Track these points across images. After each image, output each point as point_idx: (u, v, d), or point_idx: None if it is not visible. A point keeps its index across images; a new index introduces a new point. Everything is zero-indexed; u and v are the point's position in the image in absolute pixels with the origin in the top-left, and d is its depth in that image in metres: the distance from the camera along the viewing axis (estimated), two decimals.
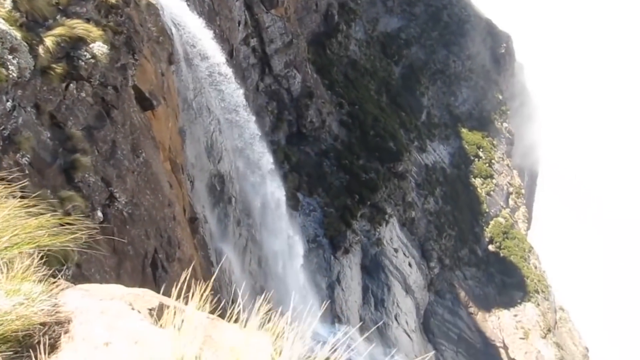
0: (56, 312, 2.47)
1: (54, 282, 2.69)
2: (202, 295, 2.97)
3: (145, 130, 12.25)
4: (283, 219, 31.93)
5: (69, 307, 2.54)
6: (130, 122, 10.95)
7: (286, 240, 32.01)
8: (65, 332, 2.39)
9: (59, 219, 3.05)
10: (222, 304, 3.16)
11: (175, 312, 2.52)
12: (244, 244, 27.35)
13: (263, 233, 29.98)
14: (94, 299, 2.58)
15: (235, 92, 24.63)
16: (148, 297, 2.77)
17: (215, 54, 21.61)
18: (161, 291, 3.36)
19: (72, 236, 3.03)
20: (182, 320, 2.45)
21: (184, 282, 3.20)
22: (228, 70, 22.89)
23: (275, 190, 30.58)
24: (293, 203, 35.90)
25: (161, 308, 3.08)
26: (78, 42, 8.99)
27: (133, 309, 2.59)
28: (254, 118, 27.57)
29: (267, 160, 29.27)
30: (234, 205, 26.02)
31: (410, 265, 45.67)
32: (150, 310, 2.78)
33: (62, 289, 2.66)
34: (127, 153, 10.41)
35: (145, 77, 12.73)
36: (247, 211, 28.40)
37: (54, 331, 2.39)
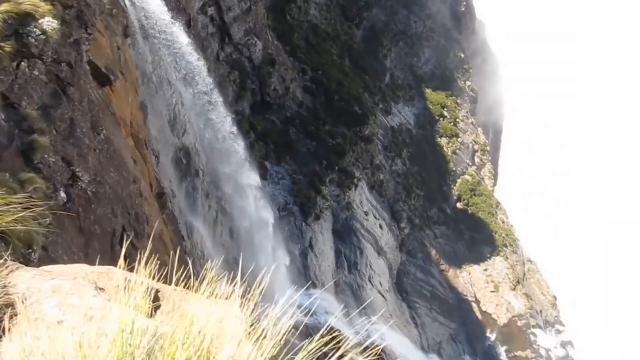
0: (5, 294, 2.43)
1: (2, 264, 2.64)
2: (172, 268, 2.97)
3: (105, 106, 11.98)
4: (251, 188, 31.85)
5: (19, 288, 2.50)
6: (88, 99, 10.68)
7: (256, 210, 32.00)
8: (15, 314, 2.35)
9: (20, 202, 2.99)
10: (193, 277, 3.16)
11: (134, 286, 2.51)
12: (214, 216, 27.25)
13: (233, 204, 29.90)
14: (45, 279, 2.55)
15: (196, 64, 24.23)
16: (112, 273, 2.76)
17: (173, 26, 21.15)
18: (135, 269, 3.34)
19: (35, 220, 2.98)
20: (145, 293, 2.45)
21: (149, 257, 3.19)
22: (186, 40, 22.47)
23: (241, 152, 30.37)
24: (261, 172, 35.79)
25: (127, 284, 3.07)
26: (26, 18, 8.67)
27: (97, 287, 2.57)
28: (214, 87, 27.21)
29: (228, 124, 28.92)
30: (201, 178, 25.81)
31: (381, 227, 46.23)
32: (116, 286, 2.77)
33: (12, 271, 2.61)
34: (87, 131, 10.18)
35: (100, 51, 12.39)
36: (215, 183, 28.23)
37: (3, 313, 2.36)
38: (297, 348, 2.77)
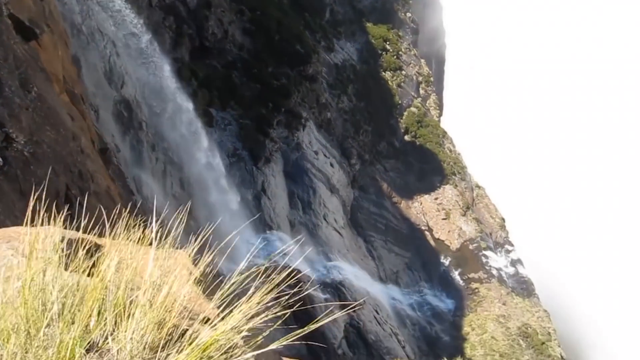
0: None
1: None
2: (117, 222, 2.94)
3: (33, 62, 11.42)
4: (198, 135, 31.42)
5: None
6: (13, 56, 10.15)
7: (205, 157, 31.68)
8: None
9: None
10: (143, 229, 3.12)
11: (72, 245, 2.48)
12: (162, 168, 26.86)
13: (181, 154, 29.48)
14: None
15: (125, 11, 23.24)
16: (52, 232, 2.70)
17: None
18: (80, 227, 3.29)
19: None
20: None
21: (94, 214, 3.13)
22: None
23: (183, 105, 29.78)
24: (207, 119, 35.23)
25: (69, 242, 3.02)
26: None
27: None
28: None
29: (166, 70, 28.16)
30: (145, 130, 25.24)
31: (332, 165, 46.59)
32: (54, 245, 2.73)
33: None
34: (17, 89, 9.72)
35: (22, 4, 11.71)
36: (160, 135, 27.68)
37: None
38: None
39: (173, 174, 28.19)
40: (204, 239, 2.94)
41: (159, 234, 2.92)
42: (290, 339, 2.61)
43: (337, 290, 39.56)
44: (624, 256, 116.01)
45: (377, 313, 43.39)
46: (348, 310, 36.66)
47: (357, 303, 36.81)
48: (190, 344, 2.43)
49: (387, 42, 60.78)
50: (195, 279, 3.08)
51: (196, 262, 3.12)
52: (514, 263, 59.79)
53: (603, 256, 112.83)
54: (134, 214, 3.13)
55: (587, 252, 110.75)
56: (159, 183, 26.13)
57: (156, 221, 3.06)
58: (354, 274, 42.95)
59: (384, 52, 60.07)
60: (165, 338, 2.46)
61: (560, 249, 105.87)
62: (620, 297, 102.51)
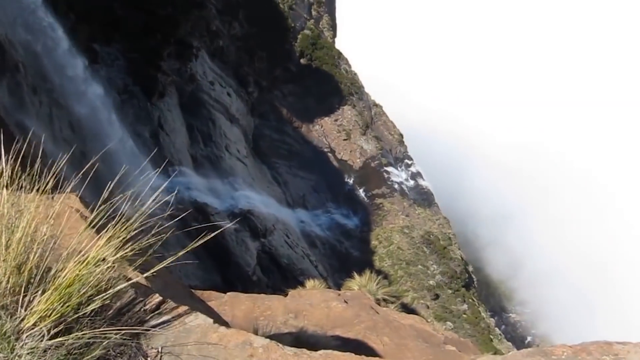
0: None
1: None
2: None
3: None
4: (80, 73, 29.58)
5: None
6: None
7: (93, 97, 30.02)
8: None
9: None
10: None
11: None
12: (47, 112, 25.22)
13: (67, 95, 27.72)
14: None
15: None
16: None
17: None
18: None
19: None
20: None
21: None
22: None
23: (62, 42, 27.76)
24: (91, 56, 33.10)
25: None
26: None
27: None
28: None
29: (39, 5, 25.92)
30: (22, 71, 23.39)
31: (229, 95, 45.66)
32: None
33: None
34: None
35: None
36: (41, 76, 25.78)
37: None
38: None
39: (61, 118, 26.57)
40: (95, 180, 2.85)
41: (43, 177, 2.81)
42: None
43: (246, 219, 39.82)
44: (514, 157, 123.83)
45: (288, 237, 44.34)
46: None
47: None
48: (55, 282, 2.40)
49: None
50: (86, 219, 3.00)
51: (92, 205, 3.04)
52: (414, 176, 62.51)
53: (498, 161, 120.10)
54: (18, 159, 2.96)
55: (483, 161, 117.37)
56: (47, 127, 24.58)
57: (44, 165, 2.94)
58: (262, 202, 43.30)
59: None
60: (27, 280, 2.41)
61: (457, 159, 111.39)
62: (510, 198, 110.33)
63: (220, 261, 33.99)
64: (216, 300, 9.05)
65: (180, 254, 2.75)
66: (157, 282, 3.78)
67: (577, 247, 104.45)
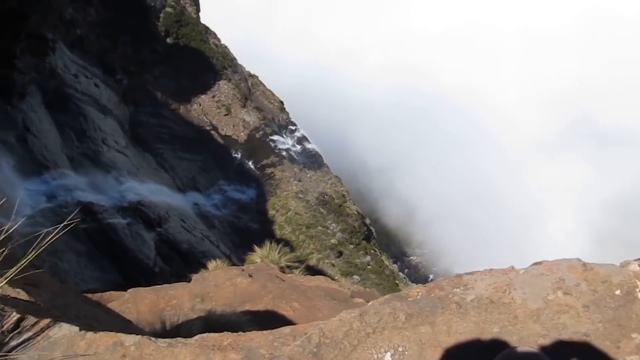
0: None
1: None
2: None
3: None
4: None
5: None
6: None
7: None
8: None
9: None
10: None
11: None
12: None
13: None
14: None
15: None
16: None
17: None
18: None
19: None
20: None
21: None
22: None
23: None
24: None
25: None
26: None
27: None
28: None
29: None
30: None
31: (96, 85, 43.35)
32: None
33: None
34: None
35: None
36: None
37: None
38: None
39: None
40: None
41: None
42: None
43: (137, 211, 38.55)
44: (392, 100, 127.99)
45: (184, 222, 43.46)
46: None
47: None
48: None
49: None
50: None
51: None
52: (300, 141, 63.10)
53: (380, 114, 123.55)
54: None
55: (364, 115, 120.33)
56: None
57: None
58: (150, 191, 42.00)
59: None
60: None
61: (338, 117, 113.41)
62: (395, 148, 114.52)
63: (117, 259, 32.77)
64: (117, 300, 8.76)
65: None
66: (44, 294, 3.57)
67: (462, 184, 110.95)
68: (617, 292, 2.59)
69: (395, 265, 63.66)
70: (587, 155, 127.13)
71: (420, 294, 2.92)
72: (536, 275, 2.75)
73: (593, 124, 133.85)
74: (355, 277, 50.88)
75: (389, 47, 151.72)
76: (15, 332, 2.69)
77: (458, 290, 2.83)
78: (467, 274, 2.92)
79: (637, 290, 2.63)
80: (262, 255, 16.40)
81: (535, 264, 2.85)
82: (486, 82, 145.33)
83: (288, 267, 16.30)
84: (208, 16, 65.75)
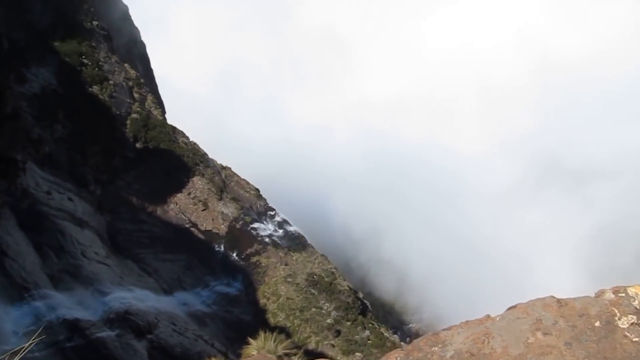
0: None
1: None
2: None
3: None
4: None
5: None
6: None
7: None
8: None
9: None
10: None
11: None
12: None
13: None
14: None
15: None
16: None
17: None
18: None
19: None
20: None
21: None
22: None
23: None
24: None
25: None
26: None
27: None
28: None
29: None
30: None
31: (70, 199, 43.21)
32: None
33: None
34: None
35: None
36: None
37: None
38: None
39: None
40: None
41: None
42: None
43: (125, 321, 37.60)
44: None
45: (175, 325, 42.39)
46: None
47: None
48: None
49: (83, 57, 57.40)
50: None
51: None
52: (281, 225, 62.93)
53: (358, 183, 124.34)
54: None
55: (342, 188, 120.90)
56: None
57: None
58: (136, 298, 41.15)
59: (83, 68, 56.68)
60: None
61: (317, 193, 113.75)
62: (377, 216, 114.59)
63: None
64: None
65: None
66: None
67: (449, 238, 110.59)
68: (597, 323, 2.56)
69: (395, 335, 62.26)
70: (566, 192, 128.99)
71: (399, 358, 2.85)
72: (513, 319, 2.71)
73: (565, 163, 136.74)
74: (357, 354, 49.61)
75: (355, 115, 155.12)
76: None
77: (437, 349, 2.76)
78: (444, 329, 2.87)
79: (617, 318, 2.60)
80: (257, 347, 15.92)
81: (510, 308, 2.82)
82: (454, 135, 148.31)
83: (286, 354, 15.84)
84: (174, 114, 67.02)
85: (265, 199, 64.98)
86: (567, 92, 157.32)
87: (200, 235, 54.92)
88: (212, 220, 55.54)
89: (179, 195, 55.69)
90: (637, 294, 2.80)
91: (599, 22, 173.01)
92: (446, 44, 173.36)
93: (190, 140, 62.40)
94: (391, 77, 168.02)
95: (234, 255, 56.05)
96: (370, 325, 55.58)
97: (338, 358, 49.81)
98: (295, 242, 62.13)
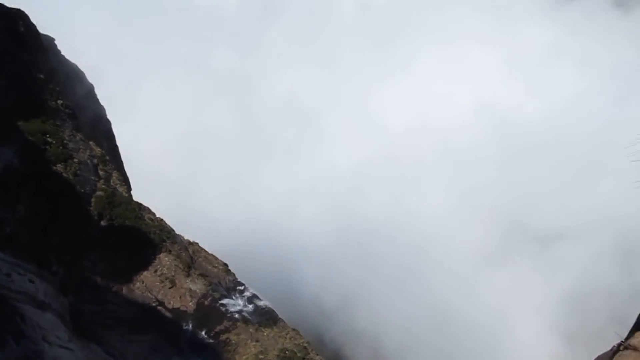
0: None
1: None
2: None
3: None
4: None
5: None
6: None
7: None
8: None
9: None
10: None
11: None
12: None
13: None
14: None
15: None
16: None
17: None
18: None
19: None
20: None
21: None
22: None
23: None
24: None
25: None
26: None
27: None
28: None
29: None
30: None
31: (31, 281, 41.64)
32: None
33: None
34: None
35: None
36: None
37: None
38: None
39: None
40: None
41: None
42: None
43: None
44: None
45: None
46: None
47: None
48: None
49: (47, 135, 57.05)
50: None
51: None
52: (251, 300, 61.69)
53: (323, 251, 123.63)
54: None
55: (312, 256, 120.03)
56: None
57: None
58: None
59: (47, 146, 56.22)
60: None
61: (285, 264, 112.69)
62: (348, 284, 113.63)
63: None
64: None
65: None
66: None
67: (421, 309, 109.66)
68: None
69: None
70: (532, 257, 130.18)
71: None
72: None
73: (530, 227, 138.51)
74: None
75: (322, 185, 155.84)
76: None
77: None
78: None
79: None
80: None
81: None
82: (420, 202, 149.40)
83: None
84: (140, 190, 66.46)
85: (234, 274, 63.94)
86: (526, 155, 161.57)
87: (168, 314, 53.35)
88: (180, 297, 54.14)
89: (145, 273, 54.39)
90: None
91: (550, 85, 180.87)
92: (407, 111, 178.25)
93: (157, 216, 61.64)
94: (356, 146, 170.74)
95: (203, 333, 54.45)
96: None
97: None
98: (266, 317, 60.81)
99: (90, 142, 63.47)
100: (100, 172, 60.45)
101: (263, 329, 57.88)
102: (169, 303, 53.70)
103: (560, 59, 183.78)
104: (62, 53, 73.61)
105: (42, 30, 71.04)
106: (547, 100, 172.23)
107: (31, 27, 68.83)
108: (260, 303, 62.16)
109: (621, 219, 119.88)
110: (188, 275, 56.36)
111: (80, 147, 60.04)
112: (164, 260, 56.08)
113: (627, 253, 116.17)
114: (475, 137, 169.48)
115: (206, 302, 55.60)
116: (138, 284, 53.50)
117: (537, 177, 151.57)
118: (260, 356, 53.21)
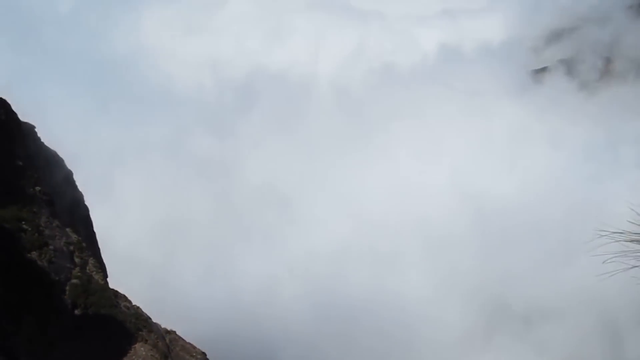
0: None
1: None
2: None
3: None
4: None
5: None
6: None
7: None
8: None
9: None
10: None
11: None
12: None
13: None
14: None
15: None
16: None
17: None
18: None
19: None
20: None
21: None
22: None
23: None
24: None
25: None
26: None
27: None
28: None
29: None
30: None
31: None
32: None
33: None
34: None
35: None
36: None
37: None
38: None
39: None
40: None
41: None
42: None
43: None
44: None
45: None
46: None
47: None
48: None
49: (23, 222, 56.21)
50: None
51: None
52: None
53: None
54: None
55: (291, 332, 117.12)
56: None
57: None
58: None
59: (22, 233, 55.27)
60: None
61: (265, 351, 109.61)
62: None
63: None
64: None
65: None
66: None
67: None
68: None
69: None
70: (517, 337, 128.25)
71: None
72: None
73: (513, 308, 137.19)
74: None
75: (300, 268, 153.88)
76: None
77: None
78: None
79: None
80: None
81: None
82: (400, 284, 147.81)
83: None
84: (116, 277, 65.00)
85: None
86: (505, 237, 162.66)
87: None
88: None
89: None
90: None
91: (524, 166, 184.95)
92: (384, 196, 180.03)
93: (133, 304, 60.02)
94: (334, 230, 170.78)
95: None
96: None
97: None
98: None
99: (67, 229, 62.55)
100: (76, 259, 59.16)
101: None
102: None
103: (533, 140, 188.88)
104: (42, 140, 74.00)
105: (22, 117, 71.78)
106: (523, 180, 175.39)
107: (12, 115, 69.44)
108: None
109: (606, 299, 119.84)
110: None
111: (57, 234, 59.11)
112: (140, 351, 54.02)
113: (614, 333, 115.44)
114: (453, 222, 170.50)
115: None
116: None
117: (517, 258, 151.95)
118: None
